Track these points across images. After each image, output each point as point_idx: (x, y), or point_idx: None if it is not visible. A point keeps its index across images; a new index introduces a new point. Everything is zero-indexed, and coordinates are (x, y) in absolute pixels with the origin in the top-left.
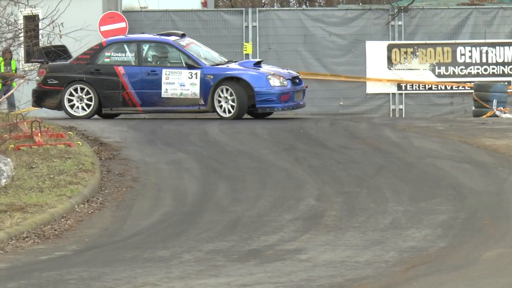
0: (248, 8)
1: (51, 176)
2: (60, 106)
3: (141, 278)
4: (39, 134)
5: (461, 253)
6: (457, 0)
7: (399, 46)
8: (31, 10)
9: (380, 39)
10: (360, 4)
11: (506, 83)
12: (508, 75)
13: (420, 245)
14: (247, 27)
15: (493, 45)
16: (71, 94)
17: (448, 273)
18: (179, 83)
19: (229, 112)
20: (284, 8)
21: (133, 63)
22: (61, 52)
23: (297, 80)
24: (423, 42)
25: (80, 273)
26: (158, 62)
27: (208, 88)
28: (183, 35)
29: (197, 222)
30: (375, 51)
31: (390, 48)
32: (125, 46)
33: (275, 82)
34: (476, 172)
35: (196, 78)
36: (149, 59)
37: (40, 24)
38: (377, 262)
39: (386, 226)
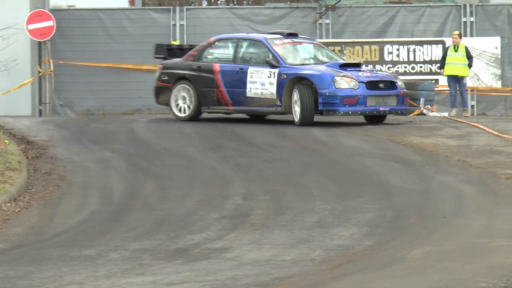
0: (176, 7)
1: None
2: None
3: (68, 277)
4: None
5: (387, 251)
6: None
7: (326, 45)
8: None
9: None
10: (288, 2)
11: (433, 81)
12: (436, 73)
13: (346, 243)
14: (174, 25)
15: (421, 43)
16: (178, 92)
17: (375, 271)
18: (260, 82)
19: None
20: (212, 7)
21: (230, 61)
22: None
23: (382, 85)
24: (351, 40)
25: (6, 272)
26: (248, 60)
27: (281, 88)
28: (292, 35)
29: (124, 221)
30: None
31: None
32: (229, 44)
33: (342, 84)
34: (403, 171)
35: (274, 77)
36: (242, 57)
37: None
38: (303, 261)
39: (312, 224)
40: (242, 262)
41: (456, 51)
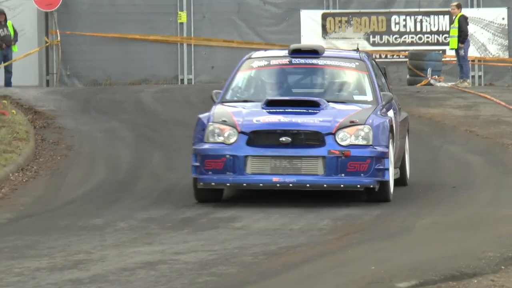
0: None
1: None
2: None
3: (76, 246)
4: None
5: (395, 221)
6: None
7: (333, 15)
8: None
9: (314, 7)
10: None
11: (440, 51)
12: (443, 43)
13: (354, 213)
14: None
15: (428, 14)
16: None
17: (382, 241)
18: None
19: None
20: None
21: None
22: None
23: (287, 139)
24: (358, 11)
25: (14, 241)
26: None
27: None
28: (310, 52)
29: (131, 191)
30: (310, 20)
31: (324, 17)
32: None
33: (215, 136)
34: (411, 141)
35: None
36: None
37: None
38: (311, 230)
39: (320, 194)
40: (250, 232)
41: (452, 23)
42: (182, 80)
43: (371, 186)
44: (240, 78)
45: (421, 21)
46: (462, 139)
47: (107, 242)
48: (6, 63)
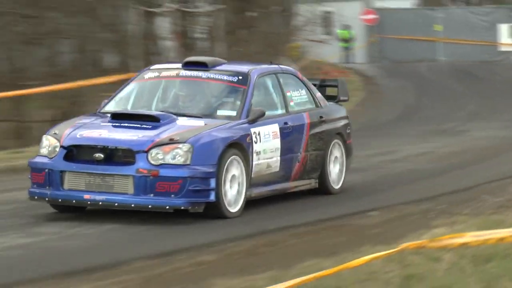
0: None
1: None
2: None
3: None
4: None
5: (476, 150)
6: None
7: None
8: None
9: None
10: None
11: None
12: None
13: (451, 141)
14: None
15: None
16: None
17: (470, 166)
18: None
19: None
20: None
21: None
22: None
23: (100, 155)
24: None
25: None
26: None
27: None
28: (199, 64)
29: None
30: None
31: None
32: None
33: (44, 147)
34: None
35: None
36: None
37: None
38: (419, 156)
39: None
40: None
41: None
42: None
43: (183, 207)
44: (129, 89)
45: None
46: None
47: None
48: (346, 44)
